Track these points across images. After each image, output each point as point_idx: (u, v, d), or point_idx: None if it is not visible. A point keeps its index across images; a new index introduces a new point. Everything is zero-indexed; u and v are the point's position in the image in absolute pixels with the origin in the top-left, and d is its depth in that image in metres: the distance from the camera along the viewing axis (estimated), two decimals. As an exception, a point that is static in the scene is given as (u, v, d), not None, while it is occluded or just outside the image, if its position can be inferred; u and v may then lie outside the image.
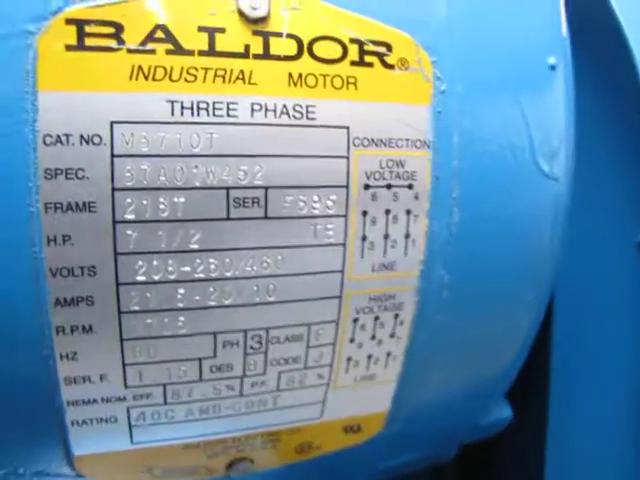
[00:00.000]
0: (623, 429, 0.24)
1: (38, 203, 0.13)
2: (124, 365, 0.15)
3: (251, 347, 0.15)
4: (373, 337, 0.17)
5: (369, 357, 0.17)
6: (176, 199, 0.14)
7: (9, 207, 0.13)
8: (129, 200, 0.13)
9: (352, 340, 0.16)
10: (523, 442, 0.27)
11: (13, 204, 0.13)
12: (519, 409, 0.24)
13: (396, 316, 0.16)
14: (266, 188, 0.14)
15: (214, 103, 0.14)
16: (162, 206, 0.14)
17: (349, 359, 0.17)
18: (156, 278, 0.14)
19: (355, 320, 0.16)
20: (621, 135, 0.21)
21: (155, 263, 0.14)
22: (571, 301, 0.24)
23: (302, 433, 0.18)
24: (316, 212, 0.15)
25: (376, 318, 0.16)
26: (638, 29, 0.20)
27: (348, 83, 0.15)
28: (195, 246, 0.14)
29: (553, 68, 0.18)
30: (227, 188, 0.14)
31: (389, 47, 0.15)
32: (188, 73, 0.13)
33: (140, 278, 0.14)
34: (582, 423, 0.25)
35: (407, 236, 0.16)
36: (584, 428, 0.25)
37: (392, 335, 0.17)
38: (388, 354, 0.17)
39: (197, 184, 0.14)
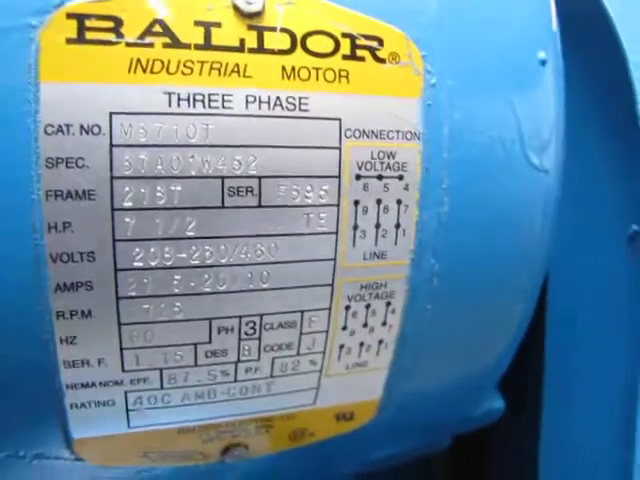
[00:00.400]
0: (616, 419, 0.24)
1: (40, 191, 0.13)
2: (121, 349, 0.15)
3: (245, 333, 0.16)
4: (365, 325, 0.17)
5: (361, 344, 0.17)
6: (173, 187, 0.14)
7: (11, 195, 0.13)
8: (127, 188, 0.14)
9: (344, 327, 0.17)
10: (517, 433, 0.27)
11: (15, 192, 0.13)
12: (513, 400, 0.24)
13: (388, 304, 0.17)
14: (260, 178, 0.15)
15: (210, 95, 0.14)
16: (159, 194, 0.14)
17: (341, 346, 0.17)
18: (153, 264, 0.14)
19: (347, 307, 0.17)
20: (611, 129, 0.22)
21: (152, 250, 0.14)
22: (565, 293, 0.25)
23: (295, 419, 0.18)
24: (309, 201, 0.15)
25: (368, 306, 0.17)
26: (627, 21, 0.20)
27: (340, 76, 0.15)
28: (191, 233, 0.14)
29: (543, 63, 0.18)
30: (222, 177, 0.14)
31: (380, 41, 0.16)
32: (185, 66, 0.14)
33: (137, 264, 0.14)
34: (577, 413, 0.25)
35: (398, 226, 0.16)
36: (579, 418, 0.25)
37: (384, 323, 0.17)
38: (380, 341, 0.17)
39: (193, 173, 0.14)
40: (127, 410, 0.16)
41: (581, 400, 0.25)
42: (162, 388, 0.16)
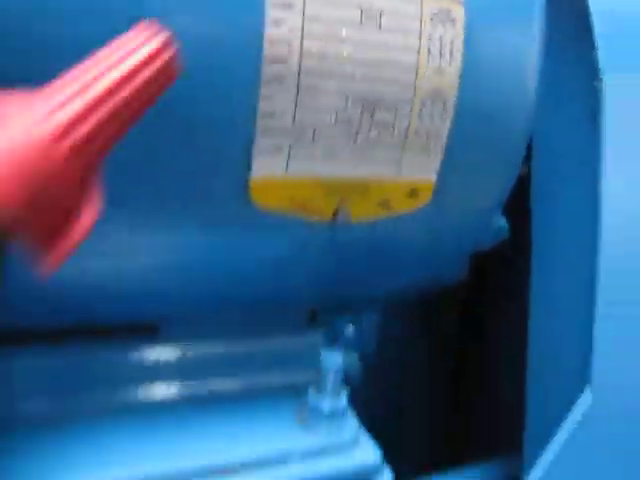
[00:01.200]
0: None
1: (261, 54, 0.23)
2: (295, 106, 0.24)
3: (366, 109, 0.26)
4: (430, 116, 0.27)
5: (427, 132, 0.27)
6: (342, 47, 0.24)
7: (244, 56, 0.23)
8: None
9: (420, 116, 0.27)
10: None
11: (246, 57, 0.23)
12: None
13: (444, 105, 0.27)
14: (380, 11, 0.25)
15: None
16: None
17: (416, 131, 0.27)
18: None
19: (422, 103, 0.27)
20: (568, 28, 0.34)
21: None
22: (545, 158, 0.36)
23: (383, 190, 0.28)
24: (406, 30, 0.26)
25: (432, 102, 0.27)
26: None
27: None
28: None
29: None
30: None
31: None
32: None
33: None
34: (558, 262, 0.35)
35: (451, 54, 0.27)
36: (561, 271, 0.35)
37: (441, 117, 0.27)
38: (437, 132, 0.28)
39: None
40: (288, 156, 0.25)
41: (559, 247, 0.36)
42: (312, 141, 0.25)
